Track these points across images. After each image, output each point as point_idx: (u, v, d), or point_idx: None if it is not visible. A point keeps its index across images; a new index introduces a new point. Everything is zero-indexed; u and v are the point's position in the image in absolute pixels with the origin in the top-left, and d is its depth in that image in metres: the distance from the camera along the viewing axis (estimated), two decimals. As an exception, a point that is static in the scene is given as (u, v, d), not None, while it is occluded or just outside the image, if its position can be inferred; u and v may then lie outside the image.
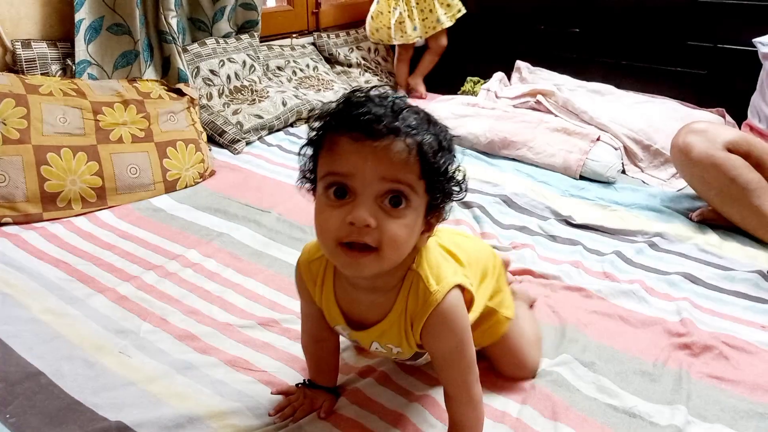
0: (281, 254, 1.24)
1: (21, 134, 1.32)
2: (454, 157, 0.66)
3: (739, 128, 1.90)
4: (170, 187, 1.50)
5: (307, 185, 0.69)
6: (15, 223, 1.28)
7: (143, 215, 1.38)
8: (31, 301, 1.04)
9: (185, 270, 1.17)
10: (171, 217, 1.39)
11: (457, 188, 0.67)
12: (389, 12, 2.32)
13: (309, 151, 0.66)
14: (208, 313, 1.04)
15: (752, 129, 1.85)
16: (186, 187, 1.53)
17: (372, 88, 0.65)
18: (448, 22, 2.31)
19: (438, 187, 0.64)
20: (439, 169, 0.63)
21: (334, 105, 0.64)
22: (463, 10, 2.33)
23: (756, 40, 1.83)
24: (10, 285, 1.08)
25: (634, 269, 1.24)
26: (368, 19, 2.41)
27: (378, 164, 0.59)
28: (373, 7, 2.38)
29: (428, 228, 0.68)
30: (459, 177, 0.67)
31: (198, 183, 1.56)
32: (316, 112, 0.68)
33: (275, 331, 0.99)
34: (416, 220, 0.64)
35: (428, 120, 0.65)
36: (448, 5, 2.31)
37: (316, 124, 0.64)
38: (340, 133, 0.61)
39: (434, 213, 0.67)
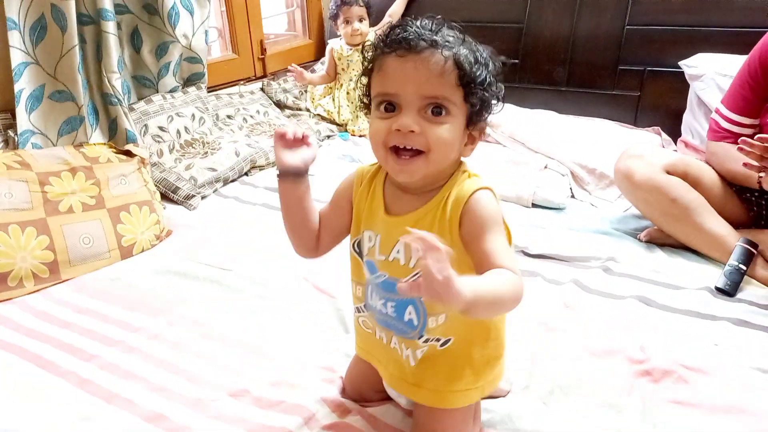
0: (246, 315, 1.23)
1: (-36, 215, 1.28)
2: (491, 72, 0.72)
3: (675, 145, 2.01)
4: (126, 254, 1.47)
5: (365, 110, 0.78)
6: (-37, 308, 1.23)
7: (100, 286, 1.35)
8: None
9: (149, 343, 1.14)
10: (129, 285, 1.35)
11: (494, 99, 0.73)
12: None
13: (365, 80, 0.76)
14: (176, 389, 1.01)
15: (687, 145, 1.96)
16: (143, 251, 1.50)
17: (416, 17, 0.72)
18: None
19: (475, 95, 0.70)
20: (475, 79, 0.70)
21: (383, 33, 0.72)
22: None
23: (682, 62, 1.95)
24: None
25: (591, 296, 1.29)
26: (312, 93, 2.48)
27: (418, 79, 0.68)
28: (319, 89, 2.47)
29: (471, 140, 0.75)
30: (495, 89, 0.73)
31: (155, 245, 1.53)
32: (370, 43, 0.75)
33: (246, 402, 0.98)
34: (457, 126, 0.71)
35: (464, 39, 0.71)
36: None
37: (370, 54, 0.74)
38: (387, 53, 0.70)
39: (475, 124, 0.73)
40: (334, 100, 2.48)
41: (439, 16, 0.72)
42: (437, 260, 0.55)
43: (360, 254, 0.83)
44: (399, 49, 0.68)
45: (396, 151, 0.70)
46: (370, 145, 0.74)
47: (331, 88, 2.48)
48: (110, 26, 1.64)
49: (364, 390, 0.98)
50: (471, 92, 0.70)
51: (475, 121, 0.73)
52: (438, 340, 0.80)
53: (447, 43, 0.68)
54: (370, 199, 0.80)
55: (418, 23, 0.70)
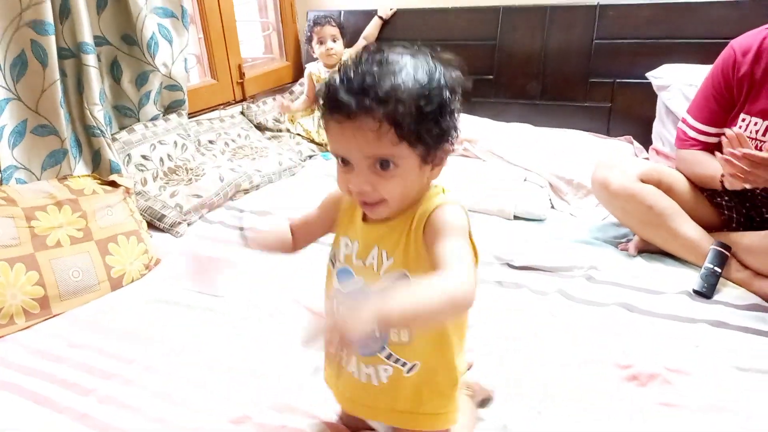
0: (241, 341, 1.25)
1: (-49, 254, 1.27)
2: (444, 98, 0.71)
3: (647, 152, 2.09)
4: (116, 285, 1.47)
5: None
6: (-46, 349, 1.23)
7: (92, 319, 1.35)
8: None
9: (143, 374, 1.15)
10: (122, 317, 1.36)
11: (448, 131, 0.73)
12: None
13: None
14: (176, 420, 1.02)
15: (658, 153, 2.03)
16: (132, 281, 1.50)
17: (353, 58, 0.71)
18: None
19: (420, 140, 0.70)
20: (417, 130, 0.69)
21: (321, 90, 0.73)
22: None
23: (649, 74, 2.03)
24: (-43, 420, 1.03)
25: (577, 305, 1.33)
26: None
27: (358, 143, 0.69)
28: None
29: (438, 163, 0.76)
30: (448, 120, 0.72)
31: (144, 275, 1.54)
32: (318, 91, 0.76)
33: (248, 428, 0.99)
34: (409, 171, 0.73)
35: (411, 76, 0.69)
36: None
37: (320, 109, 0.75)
38: (328, 118, 0.72)
39: (434, 154, 0.74)
40: (314, 120, 2.51)
41: (386, 51, 0.71)
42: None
43: (333, 264, 0.85)
44: (336, 115, 0.70)
45: (360, 200, 0.75)
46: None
47: (311, 108, 2.51)
48: (91, 59, 1.65)
49: (358, 422, 0.96)
50: (414, 141, 0.70)
51: (431, 154, 0.73)
52: (404, 364, 0.81)
53: (381, 100, 0.67)
54: (351, 211, 0.84)
55: (353, 74, 0.69)
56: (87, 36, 1.63)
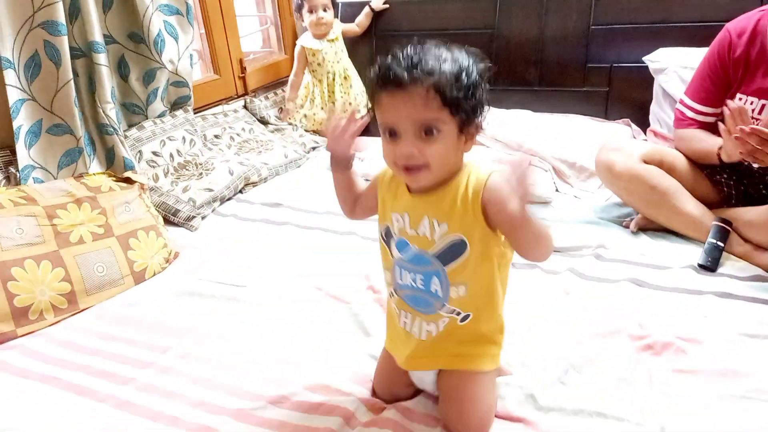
0: (269, 327, 1.29)
1: (-20, 254, 1.30)
2: (475, 80, 0.81)
3: (645, 135, 2.14)
4: (139, 278, 1.51)
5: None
6: (-11, 345, 1.26)
7: (119, 312, 1.38)
8: (31, 425, 1.03)
9: (180, 361, 1.19)
10: (149, 309, 1.39)
11: (481, 104, 0.83)
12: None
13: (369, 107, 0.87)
14: (218, 402, 1.07)
15: (656, 134, 2.09)
16: (154, 275, 1.54)
17: (401, 47, 0.82)
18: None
19: (459, 109, 0.80)
20: (457, 97, 0.79)
21: (374, 69, 0.83)
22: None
23: (645, 58, 2.08)
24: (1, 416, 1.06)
25: (588, 282, 1.39)
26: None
27: (408, 110, 0.79)
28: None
29: (470, 138, 0.85)
30: (480, 94, 0.82)
31: (165, 268, 1.57)
32: (367, 77, 0.85)
33: (288, 407, 1.04)
34: (450, 138, 0.81)
35: (449, 58, 0.80)
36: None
37: (369, 90, 0.86)
38: (380, 91, 0.81)
39: (468, 127, 0.83)
40: (313, 102, 2.52)
41: (426, 43, 0.82)
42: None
43: (387, 240, 0.94)
44: (387, 87, 0.80)
45: (405, 167, 0.83)
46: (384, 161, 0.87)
47: (307, 90, 2.53)
48: (102, 58, 1.67)
49: (393, 388, 1.05)
50: (455, 108, 0.79)
51: (467, 125, 0.83)
52: (459, 313, 0.91)
53: (428, 73, 0.78)
54: (394, 189, 0.93)
55: (403, 55, 0.80)
56: (97, 35, 1.65)
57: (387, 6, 2.53)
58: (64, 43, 1.54)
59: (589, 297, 1.32)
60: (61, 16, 1.52)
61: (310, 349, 1.21)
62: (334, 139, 0.94)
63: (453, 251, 0.87)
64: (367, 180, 1.02)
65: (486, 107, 0.84)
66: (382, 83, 0.80)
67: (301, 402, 1.05)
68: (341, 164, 0.99)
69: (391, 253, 0.94)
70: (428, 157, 0.81)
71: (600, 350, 1.14)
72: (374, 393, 1.07)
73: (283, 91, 2.67)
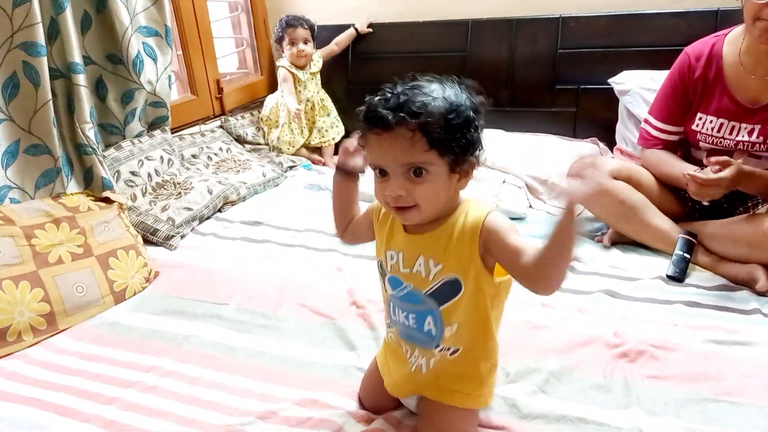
0: (253, 344, 1.29)
1: (-44, 275, 1.28)
2: (469, 115, 0.79)
3: (612, 153, 2.23)
4: (119, 298, 1.49)
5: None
6: (-35, 368, 1.23)
7: (100, 332, 1.37)
8: (13, 448, 1.02)
9: (165, 380, 1.18)
10: (129, 328, 1.38)
11: (475, 140, 0.81)
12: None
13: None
14: (206, 420, 1.07)
15: (622, 152, 2.18)
16: (135, 294, 1.53)
17: (391, 85, 0.81)
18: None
19: (449, 149, 0.79)
20: (445, 139, 0.78)
21: (363, 109, 0.82)
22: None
23: (610, 80, 2.18)
24: (-16, 437, 1.04)
25: (565, 294, 1.43)
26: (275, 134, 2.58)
27: (394, 152, 0.79)
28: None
29: (464, 175, 0.84)
30: (473, 131, 0.80)
31: (145, 288, 1.56)
32: (358, 113, 0.84)
33: (276, 422, 1.04)
34: (440, 178, 0.80)
35: (440, 96, 0.78)
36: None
37: (359, 129, 0.85)
38: (368, 131, 0.81)
39: (461, 164, 0.81)
40: (290, 125, 2.54)
41: (417, 77, 0.81)
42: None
43: (382, 275, 0.95)
44: (374, 128, 0.80)
45: (395, 207, 0.83)
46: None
47: (277, 108, 2.56)
48: (81, 79, 1.67)
49: (378, 400, 1.07)
50: (443, 149, 0.78)
51: (458, 164, 0.81)
52: (449, 349, 0.92)
53: (414, 114, 0.76)
54: (389, 225, 0.93)
55: (391, 94, 0.79)
56: (76, 56, 1.65)
57: (371, 30, 2.59)
58: (43, 64, 1.54)
59: (566, 307, 1.37)
60: (40, 37, 1.52)
61: (297, 364, 1.22)
62: (347, 155, 0.95)
63: (448, 290, 0.87)
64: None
65: (481, 144, 0.83)
66: (369, 124, 0.80)
67: (290, 417, 1.06)
68: (348, 175, 0.98)
69: (385, 288, 0.95)
70: (417, 197, 0.80)
71: (578, 359, 1.18)
72: (361, 404, 1.09)
73: (259, 111, 2.69)
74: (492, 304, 0.90)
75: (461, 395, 0.95)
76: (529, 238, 0.84)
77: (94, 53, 1.82)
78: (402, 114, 0.77)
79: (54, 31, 1.63)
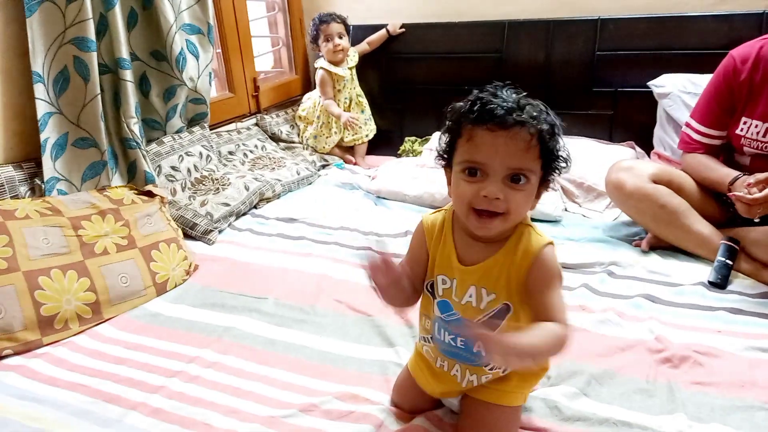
0: (292, 338, 1.31)
1: (8, 262, 1.32)
2: (560, 138, 0.82)
3: (648, 157, 2.20)
4: (161, 290, 1.53)
5: (442, 162, 0.87)
6: (16, 353, 1.26)
7: (143, 323, 1.40)
8: (62, 430, 1.04)
9: (207, 371, 1.21)
10: (171, 319, 1.41)
11: (563, 164, 0.83)
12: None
13: (445, 138, 0.84)
14: (248, 410, 1.08)
15: (660, 157, 2.15)
16: (176, 286, 1.56)
17: (496, 86, 0.81)
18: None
19: (551, 164, 0.81)
20: (552, 151, 0.80)
21: (469, 102, 0.79)
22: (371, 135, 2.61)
23: (650, 83, 2.15)
24: (36, 419, 1.07)
25: (603, 298, 1.42)
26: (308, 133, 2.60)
27: (506, 153, 0.76)
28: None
29: (537, 196, 0.84)
30: (564, 154, 0.83)
31: (186, 280, 1.59)
32: (451, 109, 0.82)
33: (318, 415, 1.06)
34: (533, 190, 0.81)
35: (545, 111, 0.80)
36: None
37: (455, 117, 0.81)
38: (477, 125, 0.77)
39: (545, 183, 0.84)
40: (327, 125, 2.56)
41: (522, 93, 0.80)
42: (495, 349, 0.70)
43: (432, 294, 0.93)
44: (489, 123, 0.76)
45: (478, 211, 0.80)
46: (454, 203, 0.85)
47: (314, 108, 2.57)
48: (127, 74, 1.71)
49: (415, 402, 1.06)
50: (549, 162, 0.80)
51: (546, 182, 0.83)
52: (504, 369, 0.93)
53: (531, 120, 0.76)
54: (442, 247, 0.90)
55: (503, 96, 0.78)
56: (124, 52, 1.70)
57: (403, 31, 2.60)
58: (93, 59, 1.58)
59: (605, 311, 1.35)
60: (91, 33, 1.57)
61: (335, 359, 1.23)
62: (374, 275, 0.85)
63: (498, 316, 0.87)
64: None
65: (566, 166, 0.83)
66: (481, 118, 0.76)
67: (331, 410, 1.07)
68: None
69: (433, 308, 0.93)
70: (511, 204, 0.78)
71: (620, 362, 1.17)
72: (394, 404, 1.08)
73: (294, 110, 2.72)
74: None
75: (508, 393, 0.95)
76: (557, 304, 0.83)
77: (139, 50, 1.86)
78: (525, 116, 0.76)
79: (103, 27, 1.67)
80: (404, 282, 0.89)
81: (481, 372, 0.93)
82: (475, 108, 0.78)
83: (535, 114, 0.77)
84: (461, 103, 0.81)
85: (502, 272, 0.84)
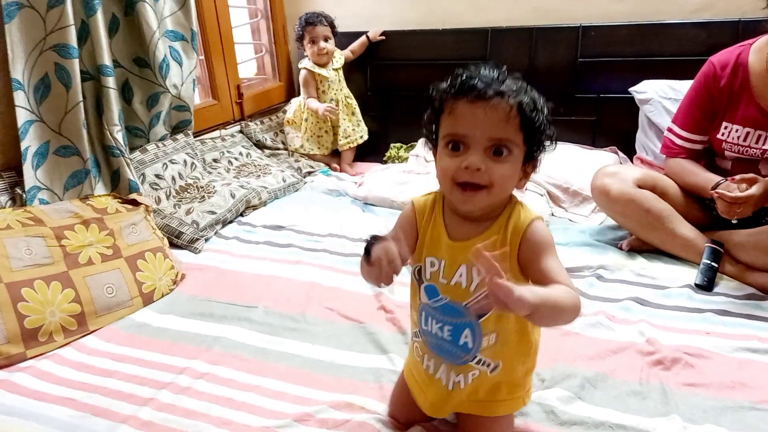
0: (284, 347, 1.29)
1: (-10, 274, 1.28)
2: (546, 117, 0.81)
3: (631, 162, 2.24)
4: (148, 300, 1.50)
5: (430, 145, 0.88)
6: (-2, 368, 1.23)
7: (130, 333, 1.37)
8: (50, 446, 1.02)
9: (198, 382, 1.18)
10: (159, 330, 1.39)
11: (548, 140, 0.83)
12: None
13: (431, 116, 0.85)
14: (241, 421, 1.06)
15: (643, 161, 2.19)
16: (162, 296, 1.53)
17: (478, 63, 0.81)
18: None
19: (533, 137, 0.80)
20: (534, 124, 0.79)
21: (449, 80, 0.80)
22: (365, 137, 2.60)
23: (631, 89, 2.19)
24: (20, 434, 1.04)
25: (593, 302, 1.44)
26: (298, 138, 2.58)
27: (487, 123, 0.77)
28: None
29: (525, 175, 0.84)
30: (549, 131, 0.82)
31: (173, 290, 1.56)
32: (433, 88, 0.83)
33: (313, 425, 1.04)
34: (516, 164, 0.80)
35: (525, 87, 0.80)
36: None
37: (437, 95, 0.82)
38: (458, 98, 0.78)
39: (530, 162, 0.83)
40: (315, 127, 2.55)
41: (504, 67, 0.81)
42: (497, 277, 0.67)
43: (418, 281, 0.91)
44: (469, 95, 0.77)
45: (462, 185, 0.80)
46: (438, 179, 0.84)
47: (300, 111, 2.56)
48: (110, 81, 1.68)
49: (410, 413, 1.03)
50: (530, 135, 0.80)
51: (531, 158, 0.83)
52: (488, 365, 0.89)
53: (511, 92, 0.78)
54: (432, 228, 0.89)
55: (485, 71, 0.79)
56: (106, 59, 1.67)
57: (383, 38, 2.61)
58: (75, 66, 1.56)
59: (595, 315, 1.36)
60: (73, 39, 1.54)
61: (328, 367, 1.22)
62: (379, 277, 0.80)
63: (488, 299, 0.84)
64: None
65: (549, 145, 0.84)
66: (461, 91, 0.78)
67: (326, 419, 1.05)
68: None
69: (419, 296, 0.91)
70: (494, 176, 0.78)
71: (612, 365, 1.18)
72: (391, 415, 1.07)
73: (278, 116, 2.70)
74: None
75: (500, 404, 0.93)
76: (558, 268, 0.81)
77: (121, 56, 1.83)
78: (504, 87, 0.77)
79: (84, 34, 1.64)
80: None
81: (468, 369, 0.89)
82: (456, 82, 0.79)
83: (515, 87, 0.78)
84: (441, 84, 0.83)
85: (494, 249, 0.80)
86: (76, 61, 1.56)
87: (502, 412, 0.94)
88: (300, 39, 2.50)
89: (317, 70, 2.49)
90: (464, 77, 0.79)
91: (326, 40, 2.47)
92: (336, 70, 2.54)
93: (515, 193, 0.87)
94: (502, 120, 0.77)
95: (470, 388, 0.91)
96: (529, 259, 0.82)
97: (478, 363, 0.89)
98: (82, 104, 1.59)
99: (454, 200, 0.83)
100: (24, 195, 1.53)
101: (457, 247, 0.85)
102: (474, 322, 0.86)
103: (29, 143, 1.53)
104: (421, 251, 0.90)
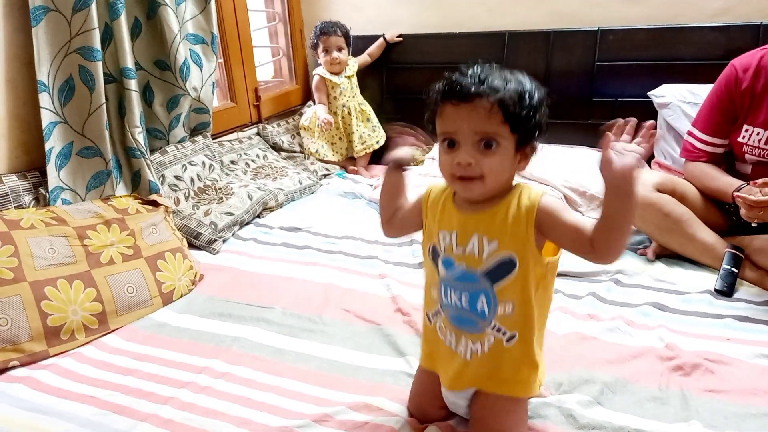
0: (303, 348, 1.30)
1: (14, 273, 1.30)
2: (536, 103, 0.86)
3: (649, 166, 2.22)
4: (167, 300, 1.51)
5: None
6: (22, 365, 1.25)
7: (150, 333, 1.39)
8: (73, 443, 1.03)
9: (217, 381, 1.20)
10: (178, 329, 1.40)
11: (540, 125, 0.87)
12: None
13: (429, 116, 0.92)
14: (260, 421, 1.07)
15: (661, 166, 2.17)
16: (181, 296, 1.55)
17: (468, 65, 0.88)
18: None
19: (520, 126, 0.84)
20: (518, 116, 0.83)
21: (440, 85, 0.88)
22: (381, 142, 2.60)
23: (650, 93, 2.17)
24: (43, 431, 1.06)
25: (611, 306, 1.43)
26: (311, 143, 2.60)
27: (470, 121, 0.84)
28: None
29: (524, 158, 0.89)
30: (540, 116, 0.87)
31: (192, 290, 1.58)
32: (429, 91, 0.90)
33: (332, 426, 1.05)
34: (507, 153, 0.86)
35: (514, 80, 0.85)
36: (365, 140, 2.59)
37: (431, 97, 0.89)
38: (446, 102, 0.86)
39: (525, 146, 0.88)
40: (329, 133, 2.56)
41: (490, 64, 0.87)
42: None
43: (434, 258, 0.97)
44: (453, 98, 0.85)
45: (460, 177, 0.87)
46: (441, 174, 0.91)
47: (315, 118, 2.57)
48: (132, 84, 1.71)
49: (427, 410, 1.06)
50: (515, 125, 0.84)
51: (524, 144, 0.87)
52: (504, 333, 0.93)
53: (492, 90, 0.83)
54: (443, 205, 0.96)
55: (471, 71, 0.86)
56: (129, 62, 1.69)
57: (400, 39, 2.62)
58: (98, 69, 1.58)
59: (613, 320, 1.36)
60: (97, 43, 1.56)
61: (346, 368, 1.23)
62: (399, 143, 1.01)
63: (502, 269, 0.89)
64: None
65: (544, 129, 0.88)
66: (448, 94, 0.85)
67: (345, 421, 1.06)
68: (398, 166, 1.02)
69: (438, 272, 0.96)
70: (484, 168, 0.84)
71: (631, 371, 1.17)
72: (410, 412, 1.09)
73: (294, 119, 2.72)
74: (538, 285, 0.92)
75: (520, 384, 0.97)
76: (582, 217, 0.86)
77: (143, 59, 1.86)
78: (482, 87, 0.83)
79: (107, 37, 1.67)
80: (401, 194, 1.04)
81: (484, 336, 0.94)
82: (442, 87, 0.87)
83: (496, 84, 0.83)
84: (436, 87, 0.89)
85: (505, 221, 0.88)
86: (100, 64, 1.59)
87: (522, 393, 0.98)
88: (314, 47, 2.53)
89: (329, 76, 2.51)
90: (449, 81, 0.86)
91: (339, 50, 2.49)
92: (348, 77, 2.56)
93: (523, 180, 0.94)
94: (484, 117, 0.83)
95: (489, 357, 0.94)
96: (551, 223, 0.87)
97: (493, 329, 0.93)
98: (104, 106, 1.62)
99: (457, 190, 0.93)
100: (47, 195, 1.55)
101: (467, 217, 0.91)
102: (488, 289, 0.91)
103: (53, 144, 1.56)
104: (433, 226, 0.97)
